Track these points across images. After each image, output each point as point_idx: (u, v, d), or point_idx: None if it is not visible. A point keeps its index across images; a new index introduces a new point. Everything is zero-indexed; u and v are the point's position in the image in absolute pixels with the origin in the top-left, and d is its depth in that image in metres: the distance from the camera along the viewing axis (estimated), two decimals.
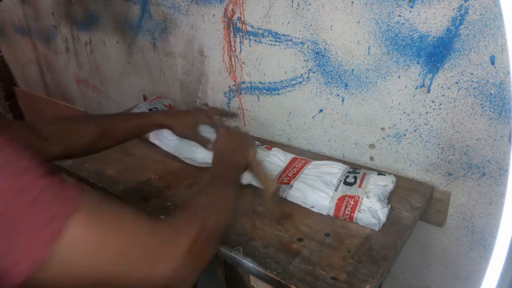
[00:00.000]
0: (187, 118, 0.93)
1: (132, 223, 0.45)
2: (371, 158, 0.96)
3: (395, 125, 0.88)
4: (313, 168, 0.89)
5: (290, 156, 0.95)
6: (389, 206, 0.77)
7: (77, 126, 0.84)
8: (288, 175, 0.87)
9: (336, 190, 0.80)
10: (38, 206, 0.38)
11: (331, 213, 0.78)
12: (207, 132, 0.91)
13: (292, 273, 0.65)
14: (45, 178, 0.40)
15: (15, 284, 0.38)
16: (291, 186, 0.84)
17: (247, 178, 0.89)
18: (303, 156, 0.96)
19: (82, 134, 0.83)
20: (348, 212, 0.76)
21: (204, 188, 0.64)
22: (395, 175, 0.86)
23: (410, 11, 0.76)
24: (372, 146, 0.94)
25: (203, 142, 0.92)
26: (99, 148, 0.86)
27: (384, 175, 0.84)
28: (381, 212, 0.74)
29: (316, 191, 0.80)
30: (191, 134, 0.93)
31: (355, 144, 0.97)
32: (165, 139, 1.06)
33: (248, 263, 0.68)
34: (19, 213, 0.37)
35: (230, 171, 0.72)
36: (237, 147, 0.79)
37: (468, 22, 0.70)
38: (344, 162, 0.95)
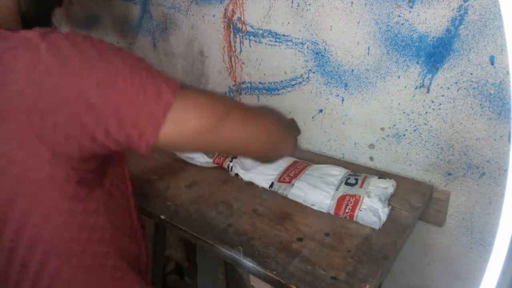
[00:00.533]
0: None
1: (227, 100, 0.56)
2: (371, 158, 0.96)
3: (394, 125, 0.88)
4: (315, 170, 0.90)
5: (291, 159, 0.96)
6: (390, 206, 0.78)
7: None
8: (290, 175, 0.88)
9: (337, 190, 0.81)
10: (139, 97, 0.45)
11: (332, 211, 0.78)
12: None
13: (292, 273, 0.65)
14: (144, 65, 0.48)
15: (149, 147, 0.47)
16: (293, 184, 0.84)
17: (248, 175, 0.90)
18: (303, 156, 0.97)
19: None
20: (349, 210, 0.76)
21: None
22: (394, 175, 0.87)
23: (409, 12, 0.76)
24: (371, 146, 0.94)
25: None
26: None
27: (385, 179, 0.84)
28: (382, 211, 0.74)
29: (317, 190, 0.81)
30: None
31: (355, 144, 0.97)
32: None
33: (248, 263, 0.68)
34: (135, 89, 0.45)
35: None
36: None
37: (468, 22, 0.70)
38: (344, 162, 0.95)
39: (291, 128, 0.73)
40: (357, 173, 0.87)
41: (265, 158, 0.66)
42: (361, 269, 0.65)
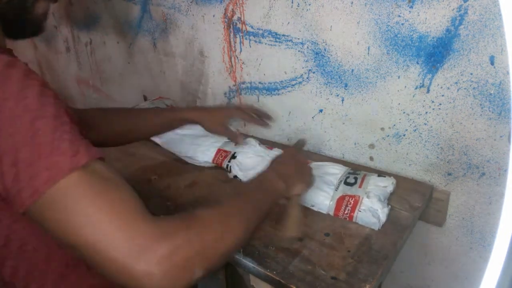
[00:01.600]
0: (218, 113, 0.94)
1: (124, 202, 0.45)
2: (371, 158, 0.96)
3: (394, 125, 0.88)
4: (314, 169, 0.89)
5: None
6: (389, 206, 0.78)
7: (108, 116, 0.87)
8: None
9: (336, 190, 0.80)
10: (53, 145, 0.43)
11: (331, 212, 0.78)
12: (236, 126, 0.90)
13: (292, 272, 0.65)
14: (73, 127, 0.45)
15: (19, 211, 0.42)
16: None
17: (247, 176, 0.90)
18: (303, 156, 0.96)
19: (114, 124, 0.86)
20: (348, 211, 0.76)
21: (240, 193, 0.60)
22: (394, 175, 0.87)
23: (409, 12, 0.76)
24: (371, 146, 0.94)
25: (233, 136, 0.95)
26: (129, 139, 0.91)
27: (384, 177, 0.84)
28: (381, 212, 0.74)
29: (316, 190, 0.81)
30: (221, 130, 0.94)
31: (355, 144, 0.97)
32: (166, 137, 1.06)
33: (248, 263, 0.68)
34: (36, 147, 0.42)
35: (275, 188, 0.66)
36: (296, 172, 0.73)
37: (468, 22, 0.70)
38: (344, 162, 0.95)
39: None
40: (356, 171, 0.87)
41: None
42: (361, 269, 0.65)
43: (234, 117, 0.94)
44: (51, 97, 0.46)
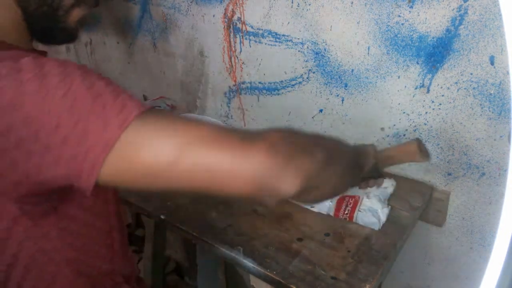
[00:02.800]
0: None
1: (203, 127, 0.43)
2: None
3: (394, 125, 0.88)
4: None
5: None
6: (389, 207, 0.78)
7: None
8: None
9: None
10: (111, 96, 0.40)
11: (331, 213, 0.78)
12: None
13: (292, 272, 0.65)
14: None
15: (91, 182, 0.39)
16: None
17: None
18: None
19: None
20: (348, 212, 0.76)
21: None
22: (394, 175, 0.86)
23: (409, 12, 0.76)
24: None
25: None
26: None
27: (385, 178, 0.84)
28: (381, 212, 0.74)
29: None
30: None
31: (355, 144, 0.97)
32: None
33: (248, 263, 0.68)
34: (92, 100, 0.39)
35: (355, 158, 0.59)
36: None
37: (468, 22, 0.70)
38: None
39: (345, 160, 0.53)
40: None
41: (248, 199, 0.51)
42: (361, 269, 0.65)
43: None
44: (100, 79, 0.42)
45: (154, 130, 0.40)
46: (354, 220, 0.76)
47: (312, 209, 0.80)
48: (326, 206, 0.79)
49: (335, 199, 0.78)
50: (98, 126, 0.39)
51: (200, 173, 0.41)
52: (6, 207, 0.45)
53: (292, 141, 0.45)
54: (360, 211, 0.75)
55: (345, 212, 0.76)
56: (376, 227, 0.73)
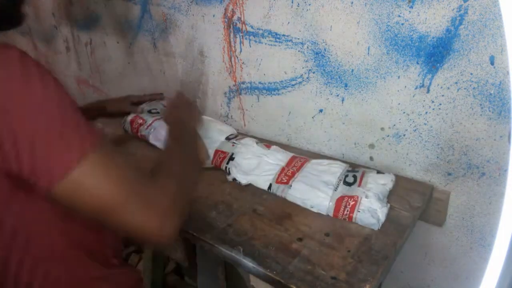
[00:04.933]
0: (118, 97, 1.18)
1: (133, 176, 0.52)
2: (371, 158, 0.96)
3: (394, 125, 0.88)
4: (313, 167, 0.89)
5: (289, 155, 0.95)
6: (388, 205, 0.77)
7: None
8: (287, 174, 0.87)
9: (335, 190, 0.80)
10: (73, 133, 0.48)
11: (331, 213, 0.78)
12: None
13: (292, 272, 0.65)
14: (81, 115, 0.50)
15: (45, 190, 0.46)
16: (290, 186, 0.84)
17: (246, 178, 0.90)
18: (303, 156, 0.96)
19: None
20: (348, 212, 0.76)
21: (170, 154, 0.68)
22: (394, 175, 0.86)
23: (409, 12, 0.76)
24: (371, 146, 0.94)
25: (134, 110, 1.17)
26: None
27: (383, 173, 0.84)
28: (380, 212, 0.74)
29: (315, 191, 0.81)
30: (124, 106, 1.16)
31: (355, 144, 0.97)
32: (165, 141, 1.06)
33: (248, 263, 0.68)
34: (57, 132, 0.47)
35: (187, 138, 0.77)
36: (186, 117, 0.83)
37: (468, 22, 0.70)
38: (344, 162, 0.95)
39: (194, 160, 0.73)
40: (355, 169, 0.87)
41: (140, 240, 0.65)
42: (361, 269, 0.65)
43: (131, 97, 1.18)
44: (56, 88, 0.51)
45: (107, 169, 0.49)
46: (353, 220, 0.76)
47: (311, 209, 0.80)
48: (325, 207, 0.78)
49: (334, 199, 0.78)
50: (62, 147, 0.46)
51: (127, 223, 0.51)
52: (1, 181, 0.49)
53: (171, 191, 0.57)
54: (359, 211, 0.75)
55: (345, 213, 0.76)
56: (376, 227, 0.73)
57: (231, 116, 1.23)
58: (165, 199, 0.54)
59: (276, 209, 0.82)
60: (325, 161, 0.90)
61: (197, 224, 0.78)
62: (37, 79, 0.48)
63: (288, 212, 0.81)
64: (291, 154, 0.96)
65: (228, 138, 1.02)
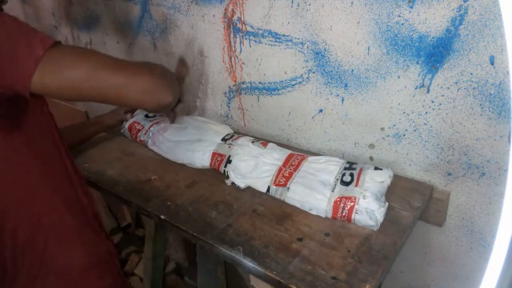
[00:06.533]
0: (110, 111, 1.22)
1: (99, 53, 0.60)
2: (371, 158, 0.96)
3: (394, 125, 0.88)
4: (310, 166, 0.88)
5: (286, 153, 0.94)
6: (387, 204, 0.77)
7: None
8: (284, 175, 0.86)
9: (333, 191, 0.79)
10: (32, 30, 0.56)
11: (329, 215, 0.78)
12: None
13: (292, 272, 0.65)
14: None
15: (26, 86, 0.53)
16: (288, 188, 0.83)
17: (244, 182, 0.89)
18: (300, 153, 0.95)
19: None
20: (346, 214, 0.76)
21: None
22: (394, 175, 0.86)
23: (409, 12, 0.76)
24: (371, 146, 0.94)
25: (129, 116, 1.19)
26: None
27: (381, 169, 0.83)
28: (378, 212, 0.74)
29: (313, 193, 0.80)
30: (119, 116, 1.19)
31: (355, 144, 0.97)
32: (163, 145, 1.06)
33: (248, 263, 0.68)
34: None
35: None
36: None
37: (468, 22, 0.70)
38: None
39: (171, 78, 0.76)
40: (352, 165, 0.86)
41: (143, 106, 0.70)
42: (361, 269, 0.65)
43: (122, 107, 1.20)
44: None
45: (72, 54, 0.57)
46: (352, 222, 0.75)
47: (310, 211, 0.80)
48: (323, 210, 0.78)
49: (332, 201, 0.78)
50: (27, 47, 0.53)
51: (106, 89, 0.59)
52: None
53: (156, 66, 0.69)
54: (357, 213, 0.75)
55: (343, 215, 0.76)
56: (374, 228, 0.73)
57: (231, 116, 1.23)
58: (132, 64, 0.62)
59: (276, 209, 0.82)
60: (322, 158, 0.90)
61: (197, 224, 0.78)
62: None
63: (288, 212, 0.81)
64: (288, 152, 0.95)
65: (224, 139, 1.02)
